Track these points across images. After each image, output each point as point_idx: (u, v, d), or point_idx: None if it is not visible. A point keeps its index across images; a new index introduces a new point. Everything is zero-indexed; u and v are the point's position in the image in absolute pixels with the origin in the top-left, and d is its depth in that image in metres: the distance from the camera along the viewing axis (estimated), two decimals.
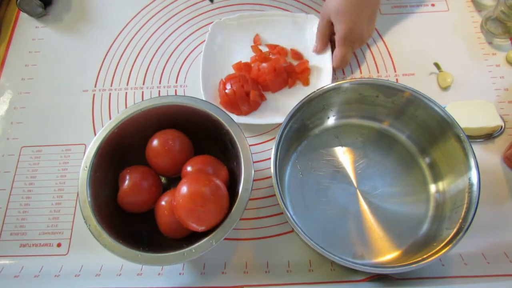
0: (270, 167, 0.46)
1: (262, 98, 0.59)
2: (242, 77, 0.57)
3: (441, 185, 0.49)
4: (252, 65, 0.61)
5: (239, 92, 0.55)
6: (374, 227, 0.48)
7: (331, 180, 0.52)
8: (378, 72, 0.61)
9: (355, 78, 0.60)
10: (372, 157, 0.53)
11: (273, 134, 0.57)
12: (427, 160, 0.52)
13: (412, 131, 0.52)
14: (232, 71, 0.61)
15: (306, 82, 0.60)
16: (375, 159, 0.53)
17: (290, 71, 0.60)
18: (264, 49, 0.63)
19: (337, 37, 0.58)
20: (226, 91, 0.56)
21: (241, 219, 0.41)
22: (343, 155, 0.53)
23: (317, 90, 0.49)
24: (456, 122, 0.46)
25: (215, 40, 0.63)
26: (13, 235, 0.53)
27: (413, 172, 0.52)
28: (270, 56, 0.62)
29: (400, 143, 0.54)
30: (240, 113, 0.57)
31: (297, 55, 0.62)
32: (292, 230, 0.50)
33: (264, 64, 0.59)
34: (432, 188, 0.50)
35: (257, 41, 0.64)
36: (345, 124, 0.55)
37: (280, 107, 0.58)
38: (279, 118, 0.53)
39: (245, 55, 0.63)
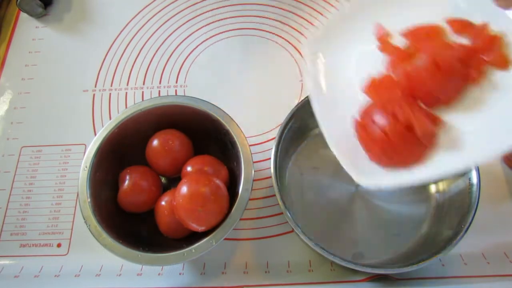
0: (270, 167, 0.46)
1: (436, 122, 0.33)
2: (389, 101, 0.33)
3: (441, 185, 0.49)
4: (392, 75, 0.35)
5: (394, 129, 0.32)
6: (374, 227, 0.48)
7: (331, 180, 0.51)
8: None
9: None
10: None
11: (273, 134, 0.57)
12: None
13: None
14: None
15: (504, 62, 0.32)
16: None
17: (466, 56, 0.33)
18: (399, 42, 0.37)
19: None
20: (374, 137, 0.33)
21: (241, 219, 0.41)
22: None
23: None
24: None
25: (319, 66, 0.40)
26: (13, 235, 0.53)
27: None
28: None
29: None
30: (407, 161, 0.32)
31: (463, 26, 0.35)
32: (292, 230, 0.50)
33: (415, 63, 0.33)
34: (432, 188, 0.50)
35: (382, 35, 0.38)
36: None
37: (475, 128, 0.32)
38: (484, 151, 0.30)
39: (372, 67, 0.37)
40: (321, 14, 0.66)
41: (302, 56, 0.62)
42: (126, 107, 0.58)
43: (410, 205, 0.50)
